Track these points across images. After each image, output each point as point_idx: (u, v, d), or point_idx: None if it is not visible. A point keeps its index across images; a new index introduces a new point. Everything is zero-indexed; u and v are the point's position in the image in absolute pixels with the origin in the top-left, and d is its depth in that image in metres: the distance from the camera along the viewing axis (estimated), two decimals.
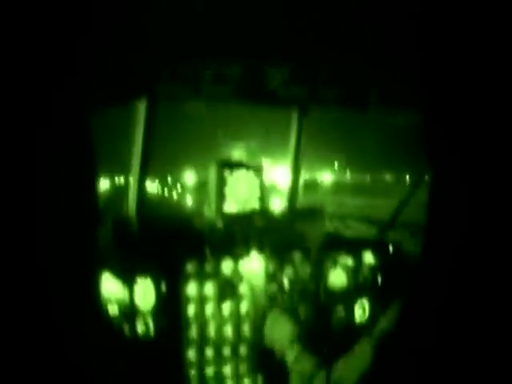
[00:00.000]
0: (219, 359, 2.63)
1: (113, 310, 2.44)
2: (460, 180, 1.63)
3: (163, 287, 2.50)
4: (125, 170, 2.99)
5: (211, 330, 2.60)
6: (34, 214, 1.35)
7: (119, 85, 2.21)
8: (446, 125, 1.71)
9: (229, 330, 2.63)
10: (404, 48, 2.04)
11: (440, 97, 1.74)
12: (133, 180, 2.93)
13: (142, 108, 2.81)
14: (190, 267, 2.56)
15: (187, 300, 2.55)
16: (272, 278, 2.72)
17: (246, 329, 2.67)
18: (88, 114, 1.51)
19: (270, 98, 2.81)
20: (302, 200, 3.58)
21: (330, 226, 3.09)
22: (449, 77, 1.70)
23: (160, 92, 2.63)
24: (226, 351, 2.63)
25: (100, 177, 1.47)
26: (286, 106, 3.27)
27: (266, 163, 2.94)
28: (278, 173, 3.69)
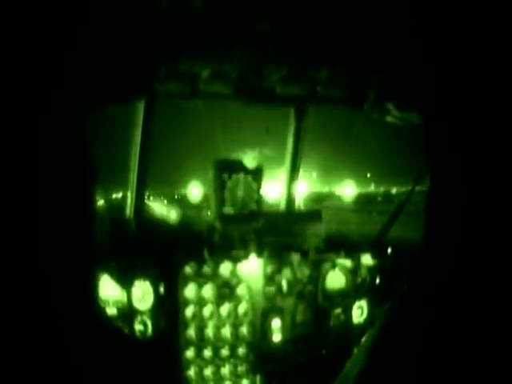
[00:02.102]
0: (218, 360, 2.62)
1: (112, 311, 2.43)
2: (459, 181, 1.63)
3: (162, 289, 2.49)
4: (123, 177, 2.98)
5: (210, 331, 2.59)
6: (34, 215, 1.34)
7: (119, 85, 2.20)
8: (446, 127, 1.70)
9: (227, 331, 2.63)
10: (404, 49, 2.03)
11: (440, 99, 1.73)
12: (131, 182, 2.92)
13: (140, 107, 2.81)
14: (189, 269, 2.55)
15: (186, 301, 2.55)
16: (270, 279, 2.72)
17: (245, 330, 2.66)
18: (85, 115, 1.50)
19: (268, 97, 2.81)
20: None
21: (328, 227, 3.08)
22: (449, 79, 1.70)
23: (159, 91, 2.63)
24: (225, 352, 2.63)
25: (99, 179, 1.46)
26: (285, 104, 3.27)
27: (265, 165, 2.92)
28: (277, 175, 3.67)
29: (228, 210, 2.73)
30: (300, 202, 3.76)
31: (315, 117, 3.38)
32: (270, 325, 2.69)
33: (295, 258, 2.77)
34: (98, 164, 1.45)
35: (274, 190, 3.72)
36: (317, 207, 3.14)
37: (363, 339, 2.13)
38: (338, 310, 2.88)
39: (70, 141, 1.37)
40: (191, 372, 2.59)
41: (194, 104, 2.89)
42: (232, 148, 3.08)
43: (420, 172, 2.77)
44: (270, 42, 2.18)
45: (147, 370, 2.41)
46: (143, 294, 2.47)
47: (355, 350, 2.21)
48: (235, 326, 2.65)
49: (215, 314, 2.60)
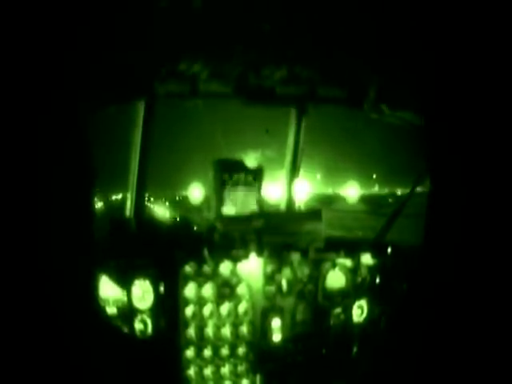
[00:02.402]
0: (218, 359, 2.62)
1: (112, 310, 2.43)
2: (459, 181, 1.63)
3: (162, 288, 2.50)
4: (123, 177, 2.98)
5: (210, 331, 2.60)
6: (34, 215, 1.34)
7: (119, 85, 2.20)
8: (446, 127, 1.70)
9: (227, 331, 2.63)
10: (404, 49, 2.03)
11: (440, 99, 1.74)
12: (131, 182, 2.93)
13: (140, 107, 2.81)
14: (189, 269, 2.55)
15: (186, 301, 2.55)
16: (270, 279, 2.72)
17: (245, 329, 2.66)
18: (85, 115, 1.51)
19: (268, 97, 2.81)
20: None
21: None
22: (449, 79, 1.70)
23: (158, 91, 2.63)
24: (225, 351, 2.63)
25: (99, 179, 1.46)
26: (285, 104, 3.27)
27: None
28: (280, 176, 3.68)
29: (228, 209, 2.73)
30: (306, 203, 3.76)
31: (319, 118, 3.39)
32: (269, 324, 2.69)
33: (295, 257, 2.77)
34: (97, 164, 1.45)
35: (276, 191, 3.72)
36: (329, 210, 3.14)
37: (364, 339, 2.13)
38: (338, 310, 2.88)
39: (70, 141, 1.37)
40: (191, 371, 2.59)
41: (195, 104, 2.90)
42: (234, 149, 3.08)
43: (420, 172, 2.77)
44: (270, 41, 2.19)
45: (147, 370, 2.42)
46: (143, 293, 2.47)
47: (356, 351, 2.21)
48: (235, 326, 2.65)
49: (215, 313, 2.61)
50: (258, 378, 2.69)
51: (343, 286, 2.88)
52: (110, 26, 1.68)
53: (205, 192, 2.81)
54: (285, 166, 3.52)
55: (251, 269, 2.67)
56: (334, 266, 2.85)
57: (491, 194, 1.51)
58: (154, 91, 2.62)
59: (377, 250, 2.97)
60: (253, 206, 2.78)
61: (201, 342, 2.59)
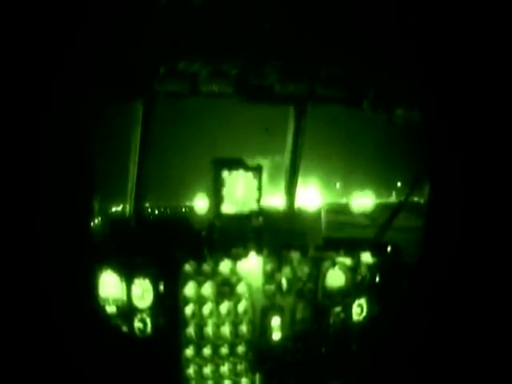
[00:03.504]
0: (217, 358, 2.63)
1: (111, 309, 2.44)
2: (459, 181, 1.63)
3: (161, 287, 2.50)
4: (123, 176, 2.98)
5: (209, 330, 2.60)
6: (34, 215, 1.35)
7: (119, 85, 2.20)
8: (446, 126, 1.71)
9: (227, 330, 2.63)
10: (403, 48, 2.03)
11: (440, 98, 1.74)
12: (131, 180, 2.93)
13: (140, 107, 2.82)
14: (189, 267, 2.56)
15: (185, 300, 2.55)
16: (270, 278, 2.72)
17: (244, 328, 2.67)
18: (85, 115, 1.51)
19: (267, 96, 2.81)
20: None
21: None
22: (448, 79, 1.70)
23: (158, 90, 2.63)
24: (224, 350, 2.63)
25: (99, 180, 1.46)
26: (284, 103, 3.27)
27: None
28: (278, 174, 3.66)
29: (228, 207, 2.73)
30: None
31: (330, 123, 3.38)
32: (269, 323, 2.70)
33: (295, 256, 2.78)
34: (97, 164, 1.45)
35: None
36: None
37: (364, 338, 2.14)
38: (338, 308, 2.89)
39: (69, 141, 1.37)
40: (191, 370, 2.59)
41: (195, 107, 2.90)
42: (241, 156, 3.06)
43: (418, 173, 2.77)
44: (270, 40, 2.19)
45: (147, 369, 2.42)
46: (143, 292, 2.47)
47: (355, 349, 2.22)
48: (235, 324, 2.65)
49: (215, 312, 2.61)
50: (257, 376, 2.69)
51: (343, 285, 2.88)
52: (110, 25, 1.67)
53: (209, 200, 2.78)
54: (284, 164, 3.51)
55: (251, 267, 2.67)
56: (333, 264, 2.85)
57: (491, 195, 1.51)
58: (154, 91, 2.62)
59: (376, 248, 2.97)
60: (252, 205, 2.78)
61: (200, 340, 2.59)
